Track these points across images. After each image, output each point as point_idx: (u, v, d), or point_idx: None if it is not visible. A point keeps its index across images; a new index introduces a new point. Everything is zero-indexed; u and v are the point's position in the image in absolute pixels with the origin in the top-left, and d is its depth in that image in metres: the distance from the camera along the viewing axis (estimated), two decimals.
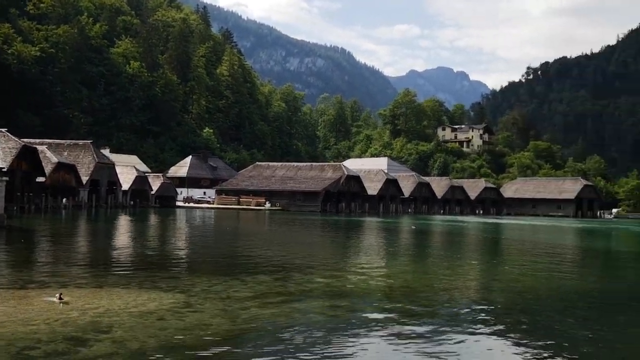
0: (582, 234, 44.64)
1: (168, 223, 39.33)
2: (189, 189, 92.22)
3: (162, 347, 6.89)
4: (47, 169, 50.76)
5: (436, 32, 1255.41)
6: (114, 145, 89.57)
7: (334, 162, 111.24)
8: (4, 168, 37.22)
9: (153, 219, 43.71)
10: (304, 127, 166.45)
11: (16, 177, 41.40)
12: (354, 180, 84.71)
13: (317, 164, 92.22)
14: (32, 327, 7.53)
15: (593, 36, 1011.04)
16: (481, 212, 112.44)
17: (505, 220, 72.83)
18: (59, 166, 53.96)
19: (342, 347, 7.21)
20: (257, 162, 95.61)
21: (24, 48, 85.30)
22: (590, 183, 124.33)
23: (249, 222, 45.56)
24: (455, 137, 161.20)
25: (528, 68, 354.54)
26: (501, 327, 8.61)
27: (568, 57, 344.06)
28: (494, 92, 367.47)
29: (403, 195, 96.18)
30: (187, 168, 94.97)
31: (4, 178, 27.12)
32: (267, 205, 78.42)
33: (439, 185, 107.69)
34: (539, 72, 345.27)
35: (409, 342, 7.51)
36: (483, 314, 9.55)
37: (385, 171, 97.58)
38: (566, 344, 7.68)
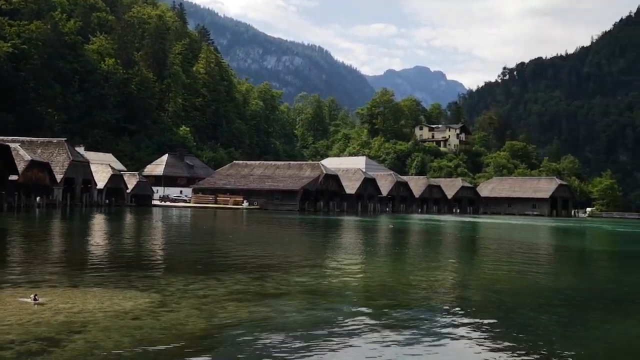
0: (556, 233, 45.25)
1: (144, 222, 38.96)
2: (165, 188, 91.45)
3: (137, 347, 6.82)
4: (20, 167, 49.97)
5: (412, 31, 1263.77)
6: (89, 143, 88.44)
7: (312, 161, 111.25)
8: None
9: (129, 218, 43.27)
10: (281, 126, 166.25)
11: None
12: (332, 179, 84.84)
13: (295, 162, 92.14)
14: (5, 327, 7.41)
15: (567, 37, 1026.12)
16: (458, 211, 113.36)
17: (481, 219, 73.56)
18: (33, 164, 53.15)
19: (319, 345, 7.20)
20: (234, 161, 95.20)
21: None
22: (564, 182, 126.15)
23: (226, 221, 45.35)
24: (433, 137, 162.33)
25: (504, 68, 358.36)
26: (477, 324, 8.67)
27: (543, 57, 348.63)
28: (470, 92, 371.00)
29: (381, 194, 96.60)
30: (164, 166, 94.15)
31: None
32: (245, 204, 78.14)
33: (417, 185, 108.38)
34: (515, 73, 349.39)
35: (387, 340, 7.53)
36: (460, 312, 9.62)
37: (363, 170, 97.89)
38: (540, 341, 7.77)
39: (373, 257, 19.12)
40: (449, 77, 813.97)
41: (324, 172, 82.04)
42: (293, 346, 7.10)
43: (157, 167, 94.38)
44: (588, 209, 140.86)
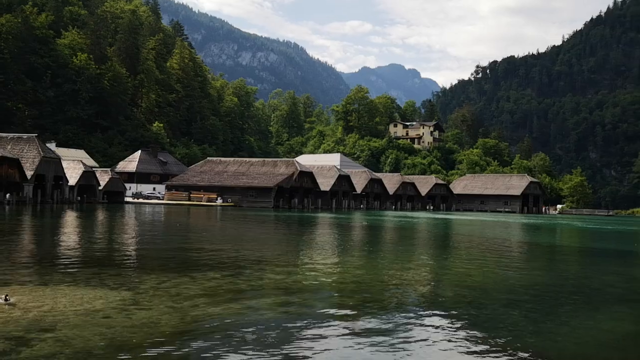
0: (528, 230, 45.89)
1: (116, 219, 38.53)
2: (138, 185, 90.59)
3: (108, 346, 6.75)
4: None
5: (387, 29, 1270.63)
6: (60, 139, 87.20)
7: (287, 157, 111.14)
8: None
9: (100, 215, 42.73)
10: (256, 123, 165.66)
11: None
12: (307, 176, 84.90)
13: (270, 159, 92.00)
14: None
15: (539, 36, 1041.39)
16: (432, 207, 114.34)
17: (454, 216, 74.27)
18: (2, 160, 52.23)
19: (293, 343, 7.20)
20: (208, 158, 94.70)
21: None
22: (535, 180, 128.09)
23: (199, 218, 45.07)
24: (407, 134, 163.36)
25: (477, 66, 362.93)
26: (449, 320, 8.76)
27: (515, 56, 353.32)
28: (444, 89, 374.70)
29: (355, 191, 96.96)
30: (136, 163, 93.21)
31: None
32: (219, 201, 77.78)
33: (391, 182, 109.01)
34: (488, 71, 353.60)
35: (361, 337, 7.56)
36: (432, 308, 9.71)
37: (338, 167, 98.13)
38: (510, 337, 7.88)
39: (347, 254, 19.18)
40: (424, 75, 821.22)
41: (299, 169, 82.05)
42: (266, 344, 7.10)
43: (130, 163, 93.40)
44: (558, 206, 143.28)
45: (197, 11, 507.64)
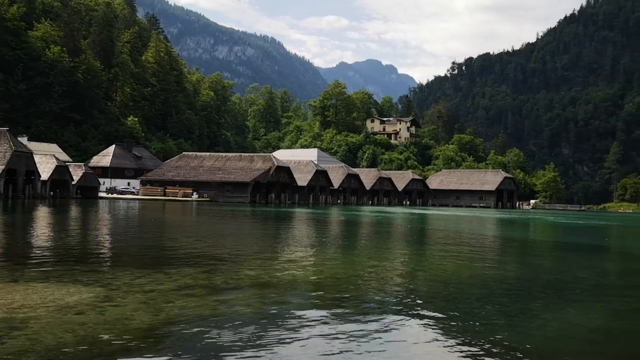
0: (502, 224, 46.44)
1: (90, 214, 38.06)
2: (113, 180, 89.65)
3: (80, 343, 6.66)
4: None
5: (364, 24, 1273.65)
6: (33, 133, 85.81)
7: (264, 152, 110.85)
8: None
9: (74, 211, 42.17)
10: (233, 117, 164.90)
11: None
12: (284, 171, 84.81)
13: (247, 154, 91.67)
14: None
15: (514, 33, 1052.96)
16: (408, 203, 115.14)
17: (430, 211, 74.83)
18: None
19: (269, 339, 7.18)
20: (184, 152, 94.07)
21: None
22: (510, 175, 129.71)
23: (175, 214, 44.74)
24: (384, 129, 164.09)
25: (453, 63, 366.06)
26: (425, 315, 8.82)
27: (491, 53, 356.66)
28: (420, 85, 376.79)
29: (332, 186, 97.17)
30: (111, 157, 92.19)
31: None
32: (195, 196, 77.34)
33: (368, 177, 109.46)
34: (463, 67, 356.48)
35: (337, 332, 7.58)
36: (408, 303, 9.76)
37: (315, 162, 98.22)
38: (484, 331, 7.96)
39: (324, 250, 19.20)
40: (400, 70, 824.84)
41: (276, 164, 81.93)
42: (242, 340, 7.07)
43: (104, 158, 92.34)
44: (532, 201, 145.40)
45: (173, 4, 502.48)
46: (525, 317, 9.15)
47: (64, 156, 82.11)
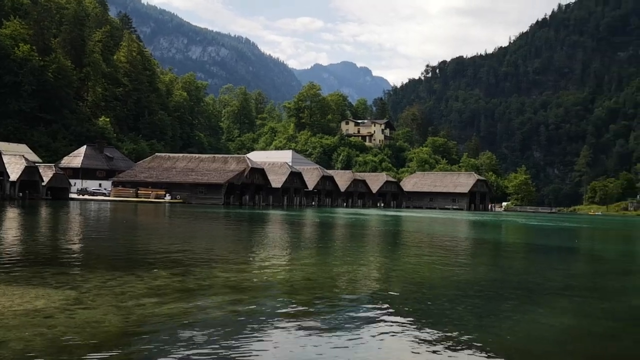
0: (474, 226, 46.94)
1: (60, 216, 37.47)
2: (84, 181, 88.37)
3: (49, 347, 6.55)
4: None
5: (339, 26, 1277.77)
6: (1, 133, 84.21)
7: (238, 154, 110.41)
8: None
9: (43, 212, 41.48)
10: (206, 118, 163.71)
11: None
12: (258, 172, 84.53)
13: (220, 155, 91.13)
14: None
15: (487, 37, 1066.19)
16: (382, 205, 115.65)
17: (404, 213, 75.29)
18: None
19: (242, 342, 7.15)
20: (156, 153, 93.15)
21: None
22: (482, 178, 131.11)
23: (147, 215, 44.30)
24: (359, 132, 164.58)
25: (427, 66, 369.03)
26: (398, 316, 8.87)
27: (464, 56, 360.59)
28: (395, 88, 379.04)
29: (307, 188, 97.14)
30: (82, 158, 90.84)
31: None
32: (167, 197, 76.68)
33: (342, 179, 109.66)
34: (437, 70, 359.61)
35: (311, 334, 7.58)
36: (381, 304, 9.81)
37: (290, 164, 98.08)
38: (455, 331, 8.04)
39: (298, 252, 19.19)
40: (375, 73, 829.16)
41: (250, 165, 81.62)
42: (214, 343, 7.02)
43: (75, 159, 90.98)
44: (504, 203, 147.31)
45: (145, 3, 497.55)
46: (496, 317, 9.26)
47: (33, 157, 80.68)
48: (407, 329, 8.12)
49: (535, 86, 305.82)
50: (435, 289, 11.93)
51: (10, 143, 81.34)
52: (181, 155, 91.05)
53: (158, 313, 8.39)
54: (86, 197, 77.88)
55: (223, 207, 67.09)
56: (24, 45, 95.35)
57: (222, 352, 6.64)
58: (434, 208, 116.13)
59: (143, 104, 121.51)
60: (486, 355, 6.93)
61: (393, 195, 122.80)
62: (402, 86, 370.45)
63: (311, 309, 9.16)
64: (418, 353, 7.00)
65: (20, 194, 64.71)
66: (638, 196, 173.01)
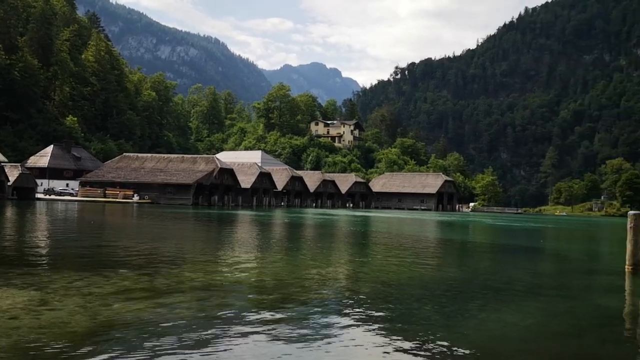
0: (442, 227, 47.45)
1: (25, 216, 36.73)
2: (51, 181, 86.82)
3: (13, 348, 6.45)
4: None
5: (309, 27, 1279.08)
6: None
7: (207, 154, 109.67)
8: None
9: (9, 212, 40.59)
10: (175, 118, 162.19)
11: None
12: (227, 173, 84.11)
13: (189, 156, 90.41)
14: None
15: (455, 39, 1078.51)
16: (351, 205, 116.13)
17: (373, 214, 75.69)
18: None
19: (210, 342, 7.14)
20: (125, 153, 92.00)
21: None
22: (450, 179, 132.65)
23: (115, 216, 43.71)
24: (328, 132, 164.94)
25: (396, 67, 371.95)
26: (365, 316, 8.95)
27: (433, 58, 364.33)
28: (364, 89, 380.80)
29: (276, 188, 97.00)
30: (49, 158, 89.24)
31: None
32: (136, 198, 75.78)
33: (312, 179, 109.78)
34: (406, 72, 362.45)
35: (279, 335, 7.60)
36: (349, 304, 9.87)
37: (259, 164, 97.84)
38: (422, 331, 8.15)
39: (267, 252, 19.18)
40: (345, 74, 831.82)
41: (219, 165, 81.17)
42: (183, 343, 7.00)
43: (42, 158, 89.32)
44: (471, 204, 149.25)
45: (114, 2, 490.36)
46: (462, 317, 9.40)
47: None
48: (375, 329, 8.20)
49: (503, 88, 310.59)
50: (403, 289, 12.05)
51: None
52: (150, 155, 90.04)
53: (126, 314, 8.32)
54: (53, 197, 76.49)
55: (192, 208, 66.58)
56: None
57: (190, 353, 6.62)
58: (403, 208, 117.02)
59: (111, 103, 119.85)
60: (452, 355, 7.04)
61: (362, 196, 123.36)
62: (371, 87, 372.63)
63: (280, 310, 9.18)
64: (385, 352, 7.07)
65: None
66: (602, 197, 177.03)
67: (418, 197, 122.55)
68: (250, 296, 10.50)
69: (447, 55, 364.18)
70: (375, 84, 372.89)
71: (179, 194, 77.53)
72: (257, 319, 8.44)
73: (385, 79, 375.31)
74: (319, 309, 9.36)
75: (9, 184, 68.09)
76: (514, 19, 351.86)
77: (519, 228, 50.47)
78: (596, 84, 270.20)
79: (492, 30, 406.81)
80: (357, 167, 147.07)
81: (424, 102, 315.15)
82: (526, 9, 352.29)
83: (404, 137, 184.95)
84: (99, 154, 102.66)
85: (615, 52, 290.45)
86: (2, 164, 70.13)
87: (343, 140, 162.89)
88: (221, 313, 8.76)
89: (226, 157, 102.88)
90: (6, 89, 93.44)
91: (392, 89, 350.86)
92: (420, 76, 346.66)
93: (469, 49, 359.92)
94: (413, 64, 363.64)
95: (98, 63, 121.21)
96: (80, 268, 12.86)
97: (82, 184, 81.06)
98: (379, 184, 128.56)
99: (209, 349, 6.82)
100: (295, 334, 7.64)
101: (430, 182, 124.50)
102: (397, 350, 7.15)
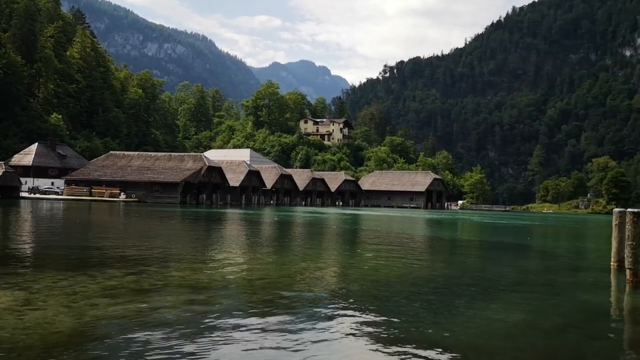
0: (431, 224, 47.59)
1: (9, 215, 36.36)
2: (35, 179, 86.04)
3: None
4: None
5: (297, 25, 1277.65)
6: None
7: (195, 152, 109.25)
8: None
9: None
10: (162, 116, 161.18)
11: None
12: (216, 171, 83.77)
13: (177, 154, 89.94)
14: None
15: (444, 38, 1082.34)
16: (341, 203, 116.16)
17: (363, 212, 75.76)
18: None
19: (197, 341, 7.08)
20: (111, 151, 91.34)
21: None
22: (439, 177, 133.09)
23: (101, 214, 43.41)
24: (317, 130, 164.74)
25: (385, 66, 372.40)
26: (356, 314, 8.93)
27: (421, 57, 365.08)
28: (353, 87, 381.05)
29: (265, 186, 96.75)
30: (33, 156, 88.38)
31: None
32: (122, 196, 75.29)
33: (301, 177, 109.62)
34: (395, 70, 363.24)
35: (269, 334, 7.56)
36: (339, 302, 9.84)
37: (248, 162, 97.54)
38: (411, 328, 8.14)
39: (256, 250, 19.11)
40: (334, 72, 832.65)
41: (207, 164, 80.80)
42: (169, 343, 6.93)
43: (26, 156, 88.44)
44: (460, 202, 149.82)
45: None
46: (450, 314, 9.41)
47: None
48: (364, 326, 8.18)
49: (490, 87, 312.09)
50: (392, 286, 12.04)
51: None
52: (136, 153, 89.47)
53: (111, 313, 8.24)
54: (38, 196, 75.81)
55: (179, 206, 66.29)
56: None
57: (176, 354, 6.56)
58: (392, 206, 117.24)
59: (97, 101, 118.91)
60: (440, 351, 7.04)
61: (351, 194, 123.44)
62: (360, 85, 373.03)
63: (269, 308, 9.13)
64: (376, 350, 7.06)
65: None
66: (589, 195, 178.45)
67: (407, 195, 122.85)
68: (239, 295, 10.44)
69: (435, 54, 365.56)
70: (364, 82, 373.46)
71: (167, 192, 77.13)
72: (245, 319, 8.39)
73: (374, 77, 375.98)
74: (308, 308, 9.32)
75: None
76: (502, 18, 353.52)
77: (506, 225, 50.75)
78: (582, 83, 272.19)
79: (480, 29, 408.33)
80: (346, 165, 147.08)
81: (413, 101, 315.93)
82: (513, 8, 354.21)
83: (393, 136, 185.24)
84: (84, 152, 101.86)
85: (601, 52, 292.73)
86: None
87: (332, 139, 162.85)
88: (208, 312, 8.69)
89: (214, 155, 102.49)
90: None
91: (381, 87, 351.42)
92: (409, 75, 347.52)
93: (457, 48, 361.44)
94: (402, 62, 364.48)
95: (83, 60, 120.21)
96: (65, 268, 12.73)
97: (68, 183, 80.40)
98: (368, 182, 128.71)
99: (196, 349, 6.76)
100: (284, 333, 7.60)
101: (420, 180, 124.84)
102: (385, 347, 7.13)
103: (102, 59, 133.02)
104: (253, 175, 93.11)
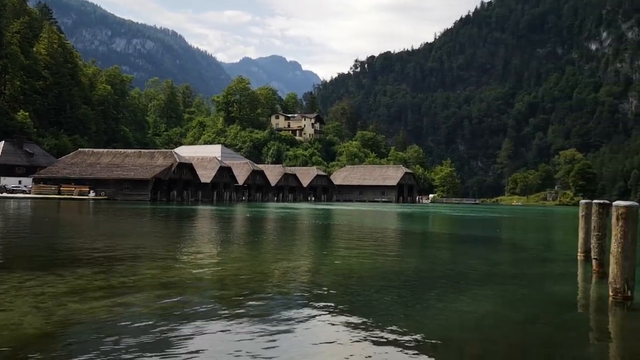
0: (402, 218, 47.94)
1: None
2: (2, 178, 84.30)
3: None
4: None
5: (267, 20, 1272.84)
6: None
7: (165, 149, 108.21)
8: None
9: None
10: (132, 112, 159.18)
11: None
12: (186, 167, 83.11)
13: (147, 150, 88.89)
14: None
15: (414, 33, 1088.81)
16: (313, 198, 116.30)
17: (335, 206, 75.96)
18: None
19: (169, 340, 7.03)
20: (79, 149, 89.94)
21: None
22: (410, 171, 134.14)
23: (70, 213, 42.74)
24: (289, 126, 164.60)
25: (356, 61, 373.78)
26: (327, 308, 8.97)
27: (392, 52, 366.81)
28: (324, 82, 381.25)
29: (237, 182, 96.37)
30: (0, 154, 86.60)
31: None
32: (92, 194, 74.24)
33: (273, 173, 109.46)
34: (366, 65, 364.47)
35: (241, 331, 7.55)
36: (310, 297, 9.88)
37: (219, 159, 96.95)
38: (381, 321, 8.21)
39: (228, 247, 19.04)
40: (304, 67, 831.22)
41: (178, 160, 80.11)
42: (140, 342, 6.88)
43: None
44: (430, 195, 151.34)
45: None
46: (421, 307, 9.52)
47: None
48: (336, 320, 8.22)
49: (460, 81, 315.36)
50: (364, 280, 12.12)
51: None
52: (106, 150, 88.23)
53: (80, 313, 8.14)
54: (4, 194, 74.30)
55: (150, 204, 65.62)
56: None
57: (149, 352, 6.52)
58: (364, 201, 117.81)
59: (65, 97, 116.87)
60: (410, 344, 7.12)
61: (324, 189, 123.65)
62: (331, 81, 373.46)
63: (241, 305, 9.12)
64: (347, 344, 7.10)
65: None
66: (556, 187, 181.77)
67: (379, 189, 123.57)
68: (210, 292, 10.39)
69: (405, 49, 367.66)
70: (335, 77, 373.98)
71: (137, 189, 76.23)
72: (217, 316, 8.36)
73: (346, 72, 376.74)
74: (280, 303, 9.34)
75: None
76: (470, 13, 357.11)
77: (476, 218, 51.39)
78: (549, 76, 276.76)
79: (449, 24, 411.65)
80: (318, 160, 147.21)
81: (384, 95, 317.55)
82: (482, 3, 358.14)
83: (364, 130, 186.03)
84: (52, 150, 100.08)
85: (567, 46, 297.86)
86: None
87: (304, 134, 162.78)
88: (180, 310, 8.65)
89: (185, 152, 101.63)
90: None
91: (352, 82, 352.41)
92: (380, 69, 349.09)
93: (427, 43, 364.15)
94: (372, 57, 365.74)
95: (50, 56, 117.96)
96: (33, 267, 12.53)
97: (36, 181, 78.95)
98: (340, 177, 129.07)
99: (168, 347, 6.72)
100: (256, 329, 7.60)
101: (391, 175, 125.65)
102: (357, 340, 7.19)
103: (69, 55, 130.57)
104: (224, 172, 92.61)
